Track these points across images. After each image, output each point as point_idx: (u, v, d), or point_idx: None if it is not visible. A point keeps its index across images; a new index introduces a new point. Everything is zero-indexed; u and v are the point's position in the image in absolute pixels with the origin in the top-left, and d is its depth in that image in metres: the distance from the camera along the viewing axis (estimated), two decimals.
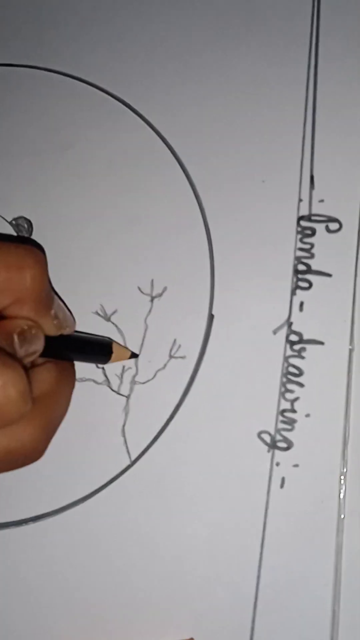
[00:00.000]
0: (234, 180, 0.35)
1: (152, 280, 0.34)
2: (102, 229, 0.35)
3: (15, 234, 0.35)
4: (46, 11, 0.37)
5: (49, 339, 0.28)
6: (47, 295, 0.27)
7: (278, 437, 0.32)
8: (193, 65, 0.36)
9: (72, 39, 0.37)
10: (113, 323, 0.34)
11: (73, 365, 0.30)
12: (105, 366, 0.34)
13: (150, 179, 0.35)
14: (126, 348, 0.33)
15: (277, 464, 0.32)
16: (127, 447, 0.33)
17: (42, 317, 0.27)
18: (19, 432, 0.25)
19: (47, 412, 0.27)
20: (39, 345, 0.27)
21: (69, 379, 0.29)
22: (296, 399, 0.33)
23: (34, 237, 0.35)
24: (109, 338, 0.33)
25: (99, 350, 0.32)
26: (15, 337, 0.25)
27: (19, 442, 0.25)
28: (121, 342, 0.34)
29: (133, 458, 0.33)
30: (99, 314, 0.34)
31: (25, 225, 0.35)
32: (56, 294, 0.30)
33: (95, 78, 0.36)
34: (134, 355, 0.33)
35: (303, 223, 0.34)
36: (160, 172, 0.35)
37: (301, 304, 0.33)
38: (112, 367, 0.34)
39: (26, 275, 0.26)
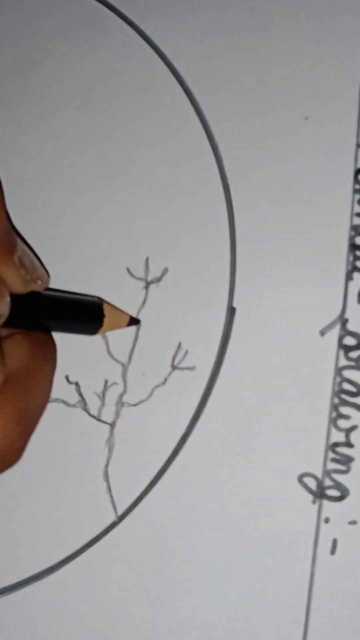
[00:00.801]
0: (264, 117, 0.31)
1: (147, 259, 0.31)
2: (76, 184, 0.32)
3: None
4: None
5: (15, 300, 0.25)
6: (7, 234, 0.25)
7: (327, 483, 0.29)
8: None
9: None
10: None
11: (51, 336, 0.27)
12: (82, 383, 0.30)
13: (144, 113, 0.32)
14: (123, 312, 0.30)
15: (327, 521, 0.29)
16: (111, 497, 0.29)
17: (2, 264, 0.25)
18: None
19: (21, 398, 0.24)
20: (2, 306, 0.24)
21: (48, 354, 0.27)
22: (353, 427, 0.29)
23: None
24: (99, 298, 0.30)
25: (86, 314, 0.29)
26: None
27: None
28: (103, 347, 0.30)
29: (120, 512, 0.29)
30: None
31: None
32: (21, 237, 0.26)
33: None
34: (134, 322, 0.30)
35: None
36: (159, 105, 0.32)
37: None
38: (90, 384, 0.30)
39: None
